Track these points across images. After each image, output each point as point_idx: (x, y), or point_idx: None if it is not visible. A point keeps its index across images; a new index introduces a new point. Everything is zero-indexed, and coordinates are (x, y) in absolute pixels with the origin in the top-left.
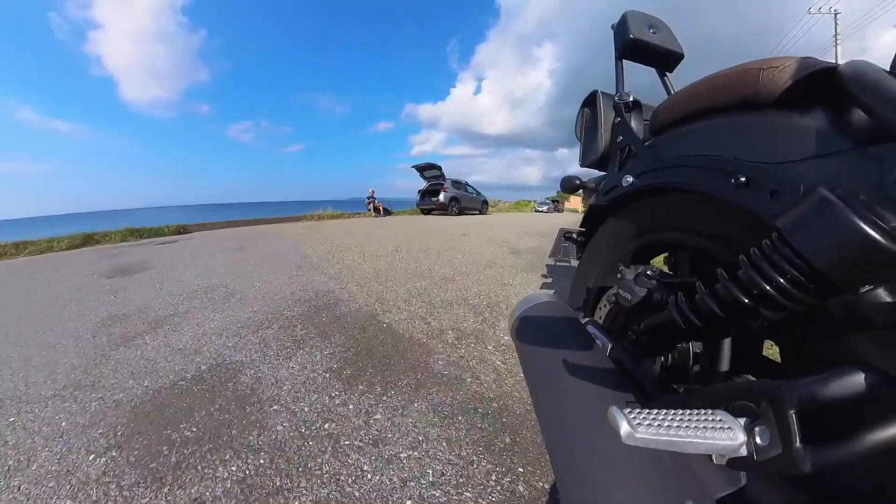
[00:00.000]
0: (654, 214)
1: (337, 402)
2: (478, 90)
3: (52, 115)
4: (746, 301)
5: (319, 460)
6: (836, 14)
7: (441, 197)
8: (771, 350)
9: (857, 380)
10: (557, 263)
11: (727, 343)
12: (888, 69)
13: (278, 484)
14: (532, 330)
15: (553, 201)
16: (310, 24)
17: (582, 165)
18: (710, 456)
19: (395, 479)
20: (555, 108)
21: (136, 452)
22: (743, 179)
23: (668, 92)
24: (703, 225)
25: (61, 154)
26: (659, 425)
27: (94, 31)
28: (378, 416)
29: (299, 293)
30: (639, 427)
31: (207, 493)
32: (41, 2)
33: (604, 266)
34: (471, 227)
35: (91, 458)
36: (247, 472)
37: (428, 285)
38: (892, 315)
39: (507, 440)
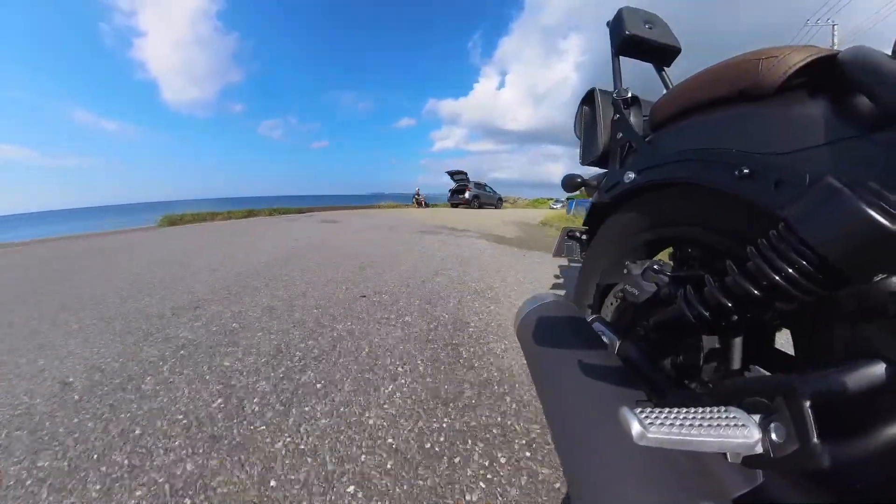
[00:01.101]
0: (658, 210)
1: (416, 236)
2: (501, 85)
3: (102, 116)
4: (756, 293)
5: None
6: (833, 26)
7: (466, 195)
8: (783, 342)
9: (874, 372)
10: (571, 264)
11: (738, 337)
12: (890, 54)
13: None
14: (538, 330)
15: (570, 200)
16: (334, 23)
17: (583, 163)
18: (725, 454)
19: None
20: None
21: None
22: (746, 171)
23: (667, 87)
24: (707, 218)
25: (110, 150)
26: (671, 424)
27: (139, 38)
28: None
29: (416, 223)
30: (650, 427)
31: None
32: (93, 13)
33: (609, 263)
34: (486, 216)
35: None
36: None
37: (455, 226)
38: None
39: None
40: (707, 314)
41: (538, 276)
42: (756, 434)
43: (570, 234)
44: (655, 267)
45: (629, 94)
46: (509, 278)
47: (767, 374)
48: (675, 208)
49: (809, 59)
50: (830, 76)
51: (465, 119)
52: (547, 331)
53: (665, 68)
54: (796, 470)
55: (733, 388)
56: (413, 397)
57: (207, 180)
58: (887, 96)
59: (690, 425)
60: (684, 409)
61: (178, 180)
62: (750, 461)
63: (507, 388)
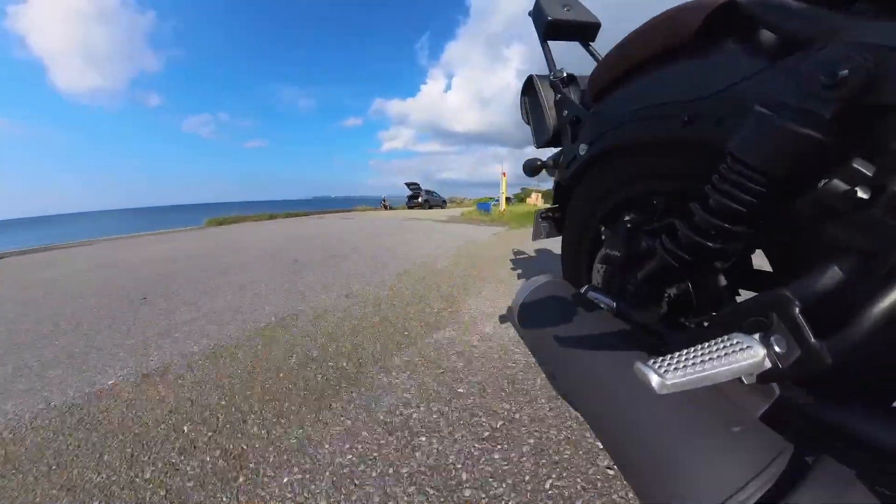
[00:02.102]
0: (617, 173)
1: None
2: (448, 87)
3: None
4: (724, 224)
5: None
6: None
7: (419, 199)
8: (760, 262)
9: (843, 266)
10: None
11: (719, 268)
12: None
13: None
14: (537, 313)
15: (507, 199)
16: (270, 10)
17: (537, 146)
18: (741, 378)
19: None
20: None
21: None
22: (687, 117)
23: (596, 60)
24: (662, 169)
25: None
26: (685, 366)
27: (15, 5)
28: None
29: (393, 220)
30: (667, 374)
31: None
32: None
33: (586, 233)
34: (433, 212)
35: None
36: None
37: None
38: (853, 198)
39: None
40: (686, 255)
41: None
42: (761, 351)
43: (543, 216)
44: (629, 226)
45: (565, 74)
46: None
47: (755, 294)
48: (633, 167)
49: (712, 8)
50: (736, 18)
51: (413, 119)
52: (546, 311)
53: (591, 43)
54: (804, 372)
55: (729, 316)
56: None
57: (109, 186)
58: (784, 26)
59: (702, 362)
60: (692, 349)
61: (67, 187)
62: (764, 378)
63: None
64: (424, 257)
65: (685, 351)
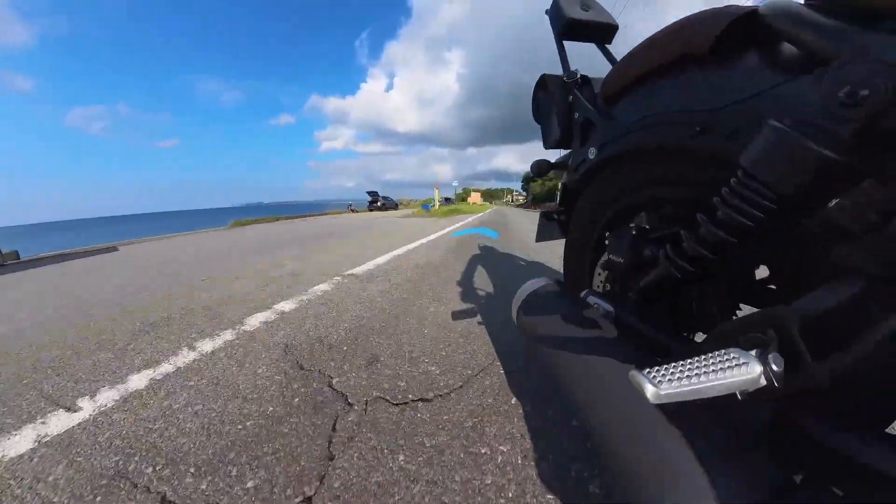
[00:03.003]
0: (625, 178)
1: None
2: (389, 87)
3: None
4: (729, 237)
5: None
6: None
7: (378, 203)
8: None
9: (848, 288)
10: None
11: (723, 281)
12: (802, 2)
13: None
14: (536, 314)
15: (447, 199)
16: None
17: (546, 148)
18: (736, 394)
19: None
20: (463, 110)
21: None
22: (700, 128)
23: (612, 63)
24: (672, 178)
25: None
26: (680, 378)
27: None
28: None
29: (370, 218)
30: (661, 385)
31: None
32: None
33: (590, 237)
34: (390, 213)
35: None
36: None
37: (383, 216)
38: (863, 220)
39: None
40: (690, 266)
41: None
42: (757, 368)
43: (547, 217)
44: (634, 233)
45: (579, 76)
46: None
47: (756, 310)
48: (641, 174)
49: (733, 18)
50: (756, 30)
51: (354, 119)
52: (545, 313)
53: (607, 45)
54: (800, 392)
55: (728, 330)
56: None
57: None
58: (809, 41)
59: (697, 374)
60: (688, 361)
61: None
62: (758, 395)
63: None
64: (402, 227)
65: (682, 362)
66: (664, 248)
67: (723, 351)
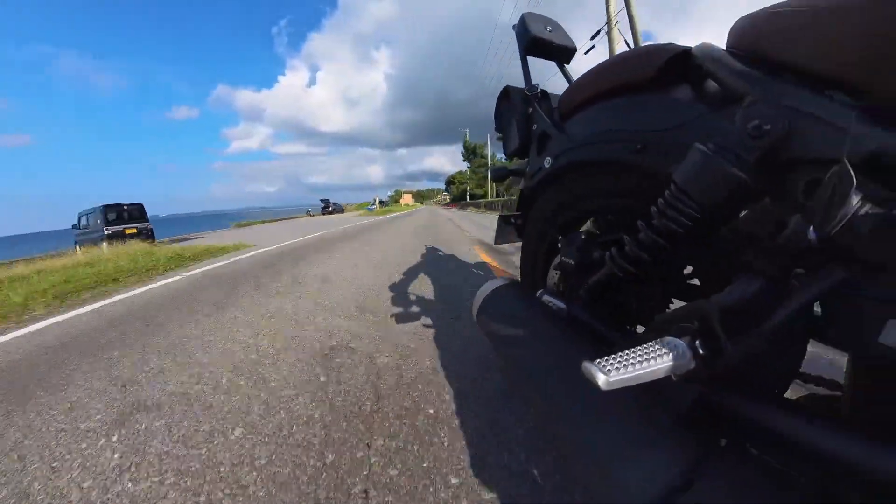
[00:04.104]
0: (577, 187)
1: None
2: (312, 82)
3: None
4: (664, 242)
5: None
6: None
7: (329, 208)
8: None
9: (752, 284)
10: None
11: (658, 279)
12: (724, 48)
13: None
14: (495, 313)
15: (380, 202)
16: None
17: (506, 155)
18: (671, 376)
19: None
20: (392, 112)
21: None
22: (640, 146)
23: (569, 81)
24: (616, 189)
25: None
26: (625, 365)
27: None
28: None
29: (333, 219)
30: (611, 372)
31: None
32: None
33: (544, 240)
34: (343, 214)
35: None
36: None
37: (339, 217)
38: (763, 229)
39: None
40: (631, 267)
41: None
42: (688, 353)
43: (505, 221)
44: (583, 237)
45: (539, 90)
46: None
47: (684, 303)
48: (590, 184)
49: (671, 55)
50: (689, 67)
51: (271, 116)
52: (503, 312)
53: (566, 65)
54: (719, 370)
55: (663, 321)
56: None
57: None
58: (728, 81)
59: (640, 361)
60: (632, 350)
61: None
62: (688, 375)
63: None
64: (364, 219)
65: (626, 352)
66: (610, 251)
67: (660, 339)
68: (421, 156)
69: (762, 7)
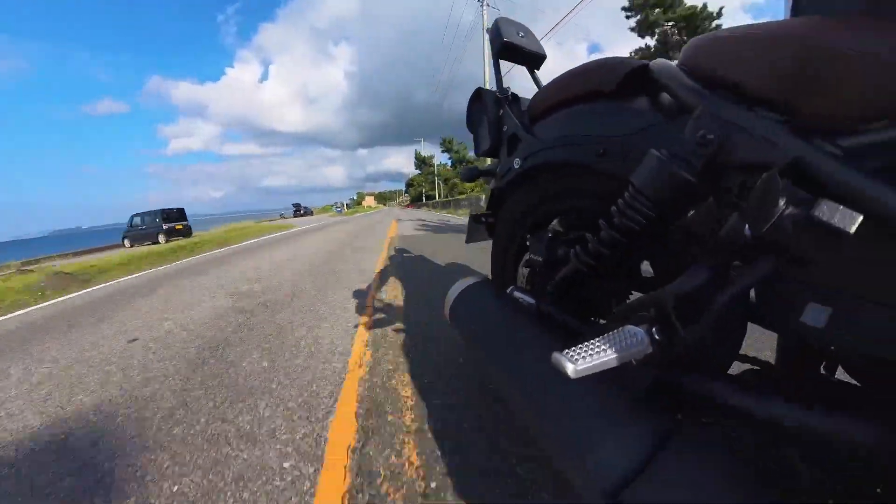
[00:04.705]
0: (544, 187)
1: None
2: (264, 77)
3: None
4: (623, 239)
5: None
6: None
7: (301, 211)
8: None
9: (700, 275)
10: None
11: (619, 273)
12: (676, 64)
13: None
14: (467, 310)
15: (339, 207)
16: None
17: (477, 155)
18: (632, 361)
19: None
20: (353, 110)
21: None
22: (602, 151)
23: (538, 87)
24: (580, 190)
25: None
26: (591, 354)
27: None
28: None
29: (312, 220)
30: (578, 362)
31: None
32: None
33: (513, 239)
34: (315, 217)
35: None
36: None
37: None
38: (706, 227)
39: None
40: (594, 262)
41: None
42: (646, 339)
43: (476, 220)
44: (550, 235)
45: (510, 93)
46: None
47: (642, 294)
48: (557, 185)
49: (630, 69)
50: (647, 80)
51: (218, 112)
52: (475, 309)
53: (536, 70)
54: (675, 353)
55: (623, 312)
56: None
57: None
58: (679, 94)
59: (605, 349)
60: (596, 340)
61: None
62: (647, 360)
63: None
64: (344, 220)
65: (591, 342)
66: (574, 248)
67: (621, 329)
68: (381, 156)
69: (710, 31)
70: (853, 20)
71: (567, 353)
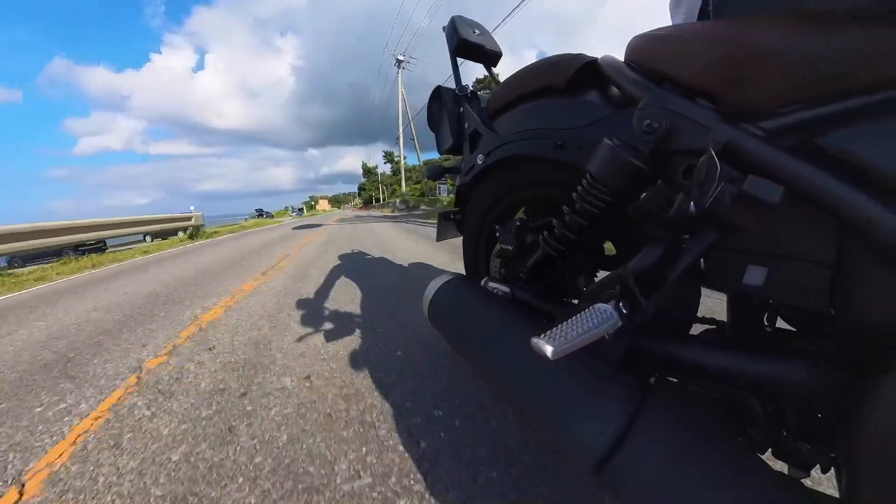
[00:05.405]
0: (508, 180)
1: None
2: (199, 66)
3: None
4: (586, 223)
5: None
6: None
7: (262, 216)
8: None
9: (655, 251)
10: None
11: (584, 255)
12: (623, 60)
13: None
14: (446, 306)
15: (299, 209)
16: None
17: (440, 153)
18: (605, 336)
19: None
20: (302, 107)
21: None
22: (559, 143)
23: (496, 83)
24: (542, 180)
25: None
26: (567, 335)
27: None
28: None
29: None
30: (556, 343)
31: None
32: None
33: (483, 232)
34: (275, 219)
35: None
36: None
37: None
38: (657, 206)
39: None
40: (561, 246)
41: None
42: (614, 314)
43: (445, 217)
44: (518, 224)
45: (469, 90)
46: None
47: (608, 273)
48: (520, 176)
49: (581, 64)
50: (596, 74)
51: (141, 105)
52: (453, 305)
53: (493, 68)
54: (640, 324)
55: (592, 291)
56: None
57: None
58: (625, 87)
59: (580, 328)
60: (570, 320)
61: None
62: (619, 333)
63: None
64: (307, 221)
65: (566, 322)
66: (542, 234)
67: (591, 308)
68: (335, 157)
69: (651, 29)
70: (770, 21)
71: (545, 336)
